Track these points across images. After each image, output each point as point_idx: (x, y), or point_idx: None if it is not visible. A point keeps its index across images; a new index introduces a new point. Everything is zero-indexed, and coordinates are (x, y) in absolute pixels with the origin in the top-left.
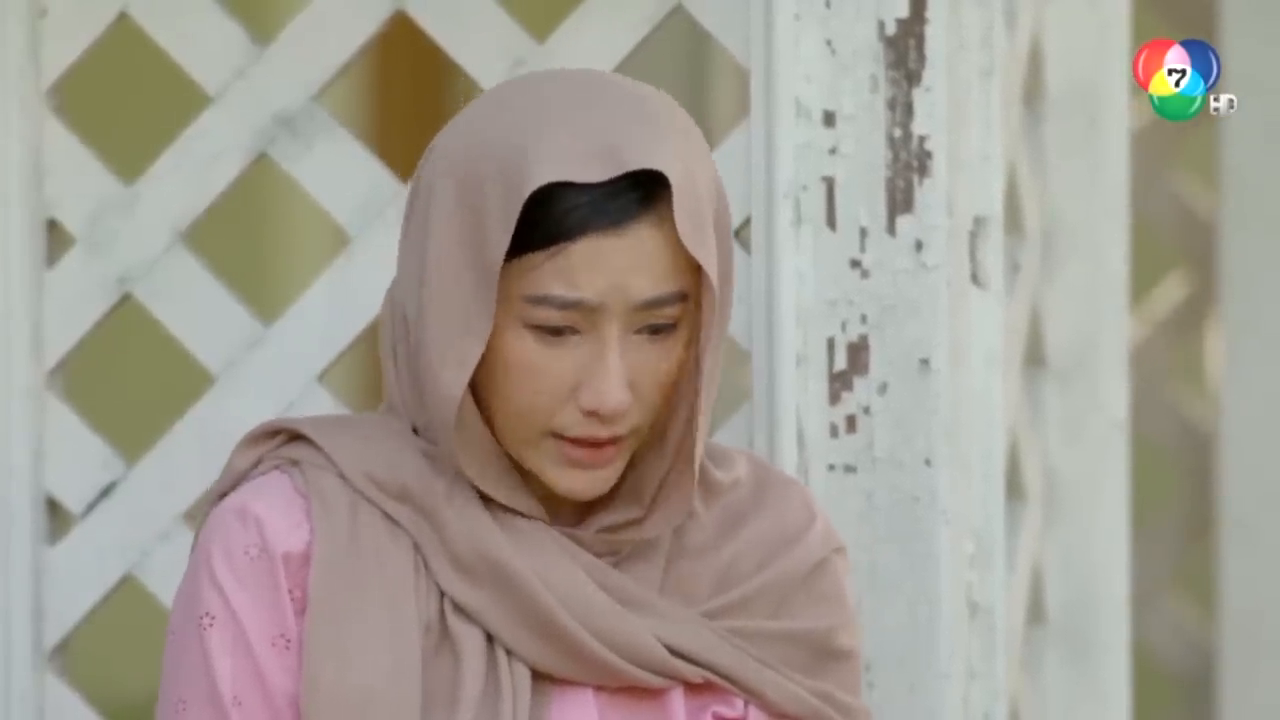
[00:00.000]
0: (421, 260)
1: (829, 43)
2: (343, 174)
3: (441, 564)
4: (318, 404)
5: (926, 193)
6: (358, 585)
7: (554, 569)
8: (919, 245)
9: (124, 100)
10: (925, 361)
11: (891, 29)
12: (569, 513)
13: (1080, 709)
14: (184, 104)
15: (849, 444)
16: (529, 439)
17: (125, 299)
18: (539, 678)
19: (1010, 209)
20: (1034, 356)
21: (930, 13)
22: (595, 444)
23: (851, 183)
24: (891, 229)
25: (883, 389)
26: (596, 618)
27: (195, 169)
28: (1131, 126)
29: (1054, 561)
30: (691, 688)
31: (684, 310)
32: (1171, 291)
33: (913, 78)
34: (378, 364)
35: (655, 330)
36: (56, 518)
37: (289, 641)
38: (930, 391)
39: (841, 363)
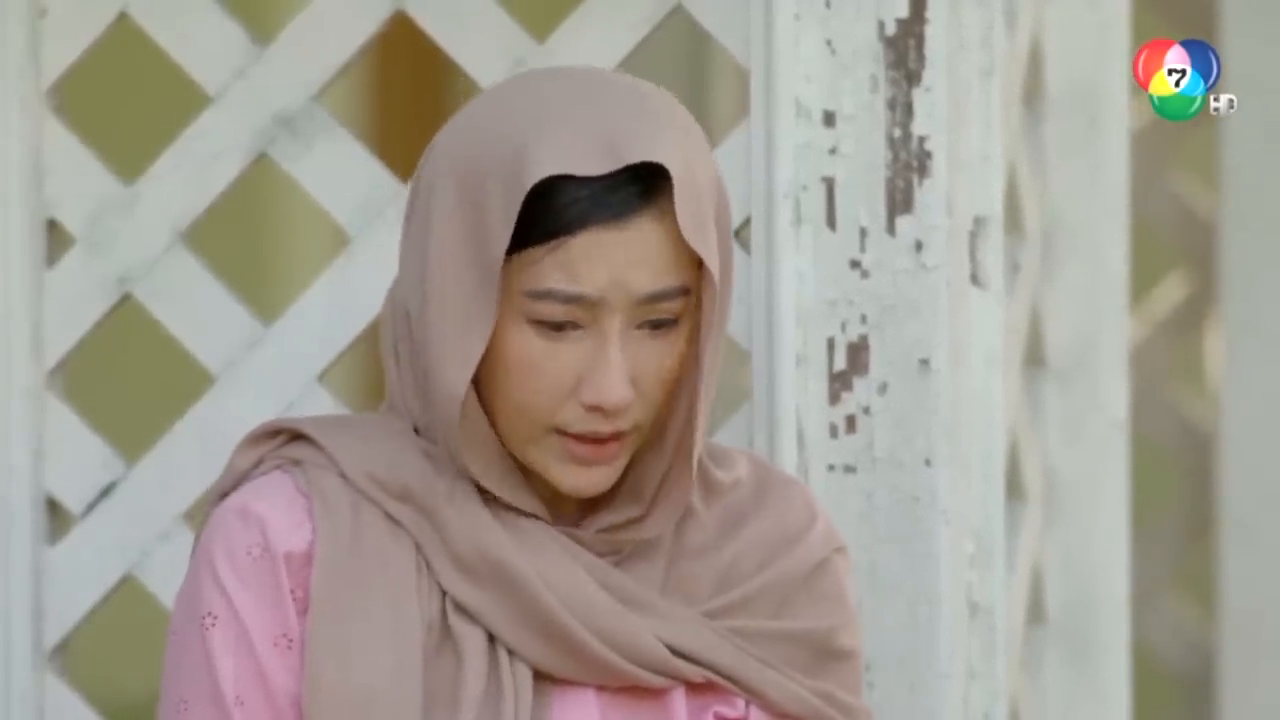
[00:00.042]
0: (423, 258)
1: (829, 43)
2: (343, 174)
3: (443, 564)
4: (318, 404)
5: (926, 193)
6: (360, 585)
7: (555, 569)
8: (919, 245)
9: (124, 100)
10: (925, 362)
11: (891, 29)
12: (570, 512)
13: (1080, 709)
14: (184, 104)
15: (849, 444)
16: (531, 436)
17: (125, 299)
18: (540, 678)
19: (1010, 209)
20: (1034, 356)
21: (930, 13)
22: (597, 440)
23: (851, 183)
24: (891, 229)
25: (883, 389)
26: (598, 617)
27: (195, 169)
28: (1131, 126)
29: (1054, 561)
30: (693, 688)
31: (685, 305)
32: (1171, 291)
33: (913, 78)
34: (378, 364)
35: (656, 325)
36: (56, 518)
37: (291, 641)
38: (930, 391)
39: (841, 363)
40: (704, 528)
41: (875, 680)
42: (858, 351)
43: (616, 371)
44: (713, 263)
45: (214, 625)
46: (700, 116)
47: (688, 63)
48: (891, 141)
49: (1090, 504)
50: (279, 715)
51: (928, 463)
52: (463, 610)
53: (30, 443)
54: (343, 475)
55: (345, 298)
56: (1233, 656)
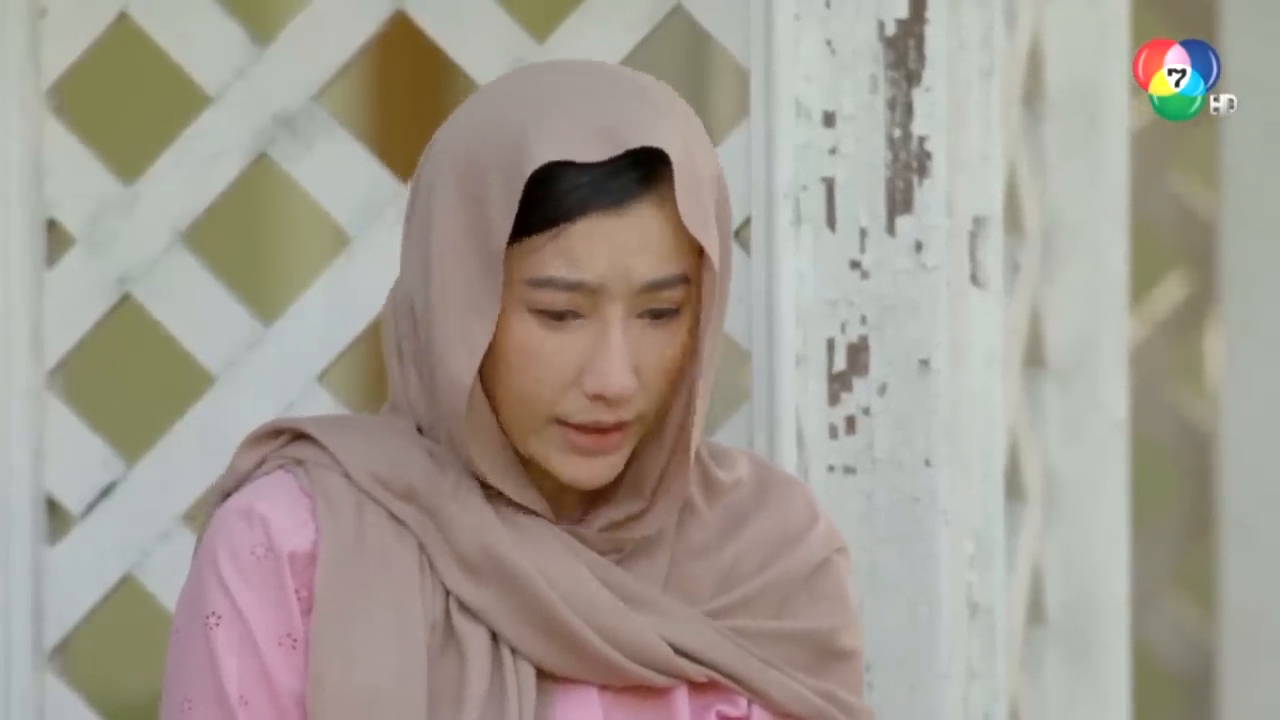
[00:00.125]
0: (425, 251)
1: (829, 43)
2: (343, 174)
3: (447, 563)
4: (318, 404)
5: (926, 193)
6: (363, 585)
7: (559, 567)
8: (919, 245)
9: (124, 100)
10: (925, 362)
11: (891, 29)
12: (572, 509)
13: (1080, 709)
14: (184, 104)
15: (849, 445)
16: (534, 426)
17: (125, 299)
18: (544, 676)
19: (1010, 209)
20: (1034, 356)
21: (930, 13)
22: (600, 430)
23: (851, 183)
24: (891, 229)
25: (882, 389)
26: (601, 616)
27: (195, 169)
28: (1131, 126)
29: (1054, 561)
30: (695, 687)
31: (686, 295)
32: (1171, 291)
33: (912, 78)
34: (378, 364)
35: (657, 315)
36: (56, 518)
37: (295, 641)
38: (930, 392)
39: (841, 363)
40: (706, 527)
41: (875, 680)
42: (857, 352)
43: (618, 359)
44: (712, 250)
45: (218, 625)
46: (700, 116)
47: (688, 63)
48: (891, 141)
49: (1090, 504)
50: (283, 715)
51: (927, 463)
52: (466, 609)
53: (30, 443)
54: (346, 475)
55: (345, 298)
56: (1233, 656)
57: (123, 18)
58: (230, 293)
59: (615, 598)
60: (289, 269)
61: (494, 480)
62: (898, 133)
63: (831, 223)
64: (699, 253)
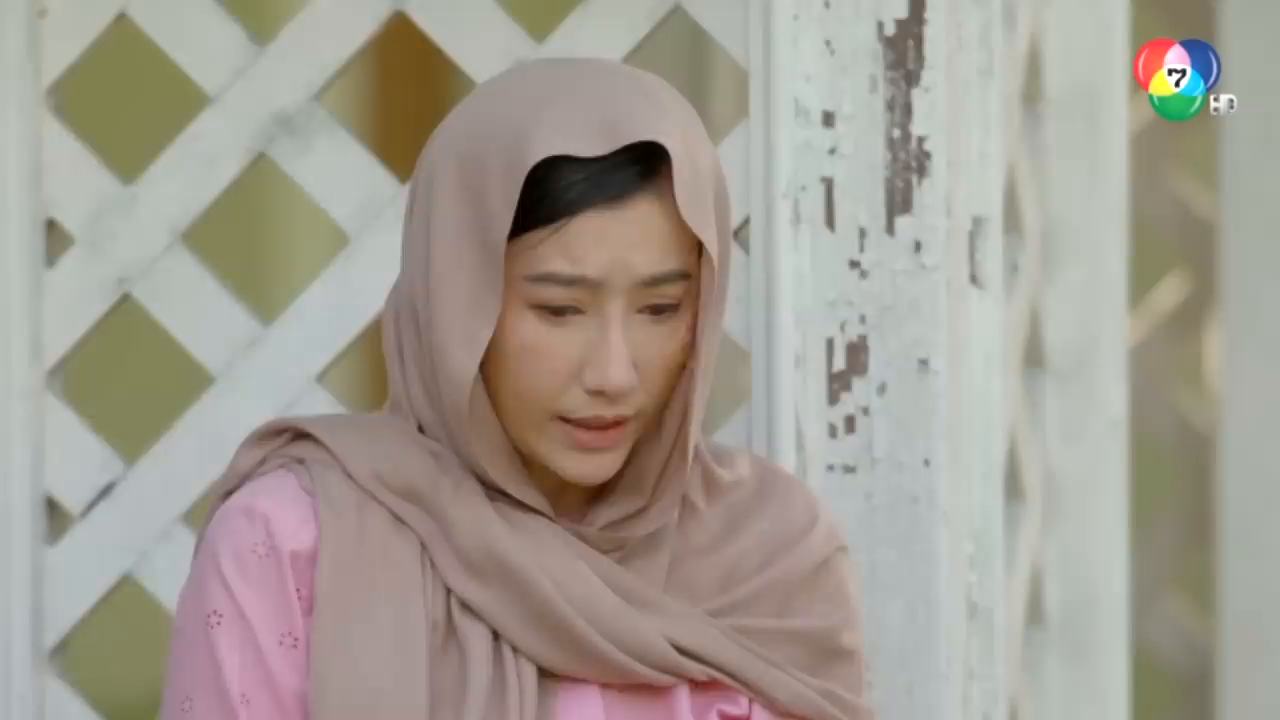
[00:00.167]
0: (426, 249)
1: (828, 43)
2: (342, 174)
3: (448, 562)
4: (317, 404)
5: (925, 193)
6: (365, 584)
7: (560, 566)
8: (918, 246)
9: (124, 100)
10: (924, 362)
11: (890, 29)
12: (573, 507)
13: (1080, 709)
14: (184, 104)
15: (848, 444)
16: (535, 422)
17: (124, 299)
18: (545, 675)
19: (1009, 209)
20: (1033, 357)
21: (929, 13)
22: (600, 426)
23: (850, 183)
24: (890, 229)
25: (882, 389)
26: (603, 615)
27: (195, 169)
28: (1131, 126)
29: (1053, 562)
30: (697, 686)
31: (685, 291)
32: (1171, 291)
33: (912, 78)
34: (378, 364)
35: (657, 310)
36: (56, 518)
37: (296, 640)
38: (929, 392)
39: (840, 363)
40: (707, 526)
41: (875, 680)
42: (857, 352)
43: (618, 353)
44: (711, 245)
45: (219, 624)
46: (699, 116)
47: (687, 63)
48: (890, 142)
49: (1090, 504)
50: (285, 714)
51: (927, 463)
52: (468, 608)
53: (30, 443)
54: (347, 474)
55: (345, 298)
56: (1232, 656)
57: (122, 18)
58: (230, 293)
59: (617, 596)
60: (288, 269)
61: (495, 478)
62: (897, 133)
63: (831, 223)
64: (698, 249)
